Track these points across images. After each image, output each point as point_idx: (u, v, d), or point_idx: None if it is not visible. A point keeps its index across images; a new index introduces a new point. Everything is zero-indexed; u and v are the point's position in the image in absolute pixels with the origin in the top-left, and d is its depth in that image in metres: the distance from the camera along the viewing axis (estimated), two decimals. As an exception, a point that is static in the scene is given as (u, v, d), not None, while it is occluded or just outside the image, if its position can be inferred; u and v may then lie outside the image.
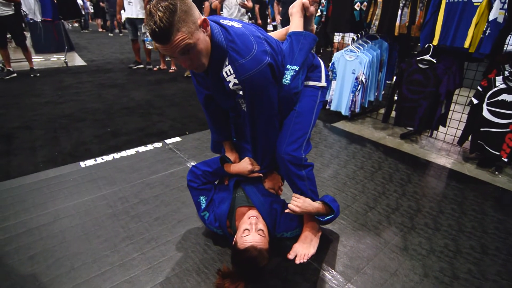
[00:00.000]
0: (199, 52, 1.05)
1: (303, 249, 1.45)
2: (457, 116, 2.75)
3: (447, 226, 1.69)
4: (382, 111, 3.27)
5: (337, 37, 4.59)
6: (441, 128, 2.72)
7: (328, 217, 1.42)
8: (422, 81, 2.55)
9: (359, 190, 2.01)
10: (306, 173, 1.35)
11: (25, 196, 1.87)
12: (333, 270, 1.39)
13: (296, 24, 1.37)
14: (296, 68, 1.27)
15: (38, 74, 4.81)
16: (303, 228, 1.50)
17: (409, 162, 2.43)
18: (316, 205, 1.39)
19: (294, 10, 1.39)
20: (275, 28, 6.11)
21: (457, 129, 2.68)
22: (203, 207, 1.48)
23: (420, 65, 2.54)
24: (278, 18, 4.69)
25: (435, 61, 2.45)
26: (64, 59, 5.69)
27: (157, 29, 0.94)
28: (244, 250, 1.21)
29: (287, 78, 1.27)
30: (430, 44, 2.42)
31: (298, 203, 1.36)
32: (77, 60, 6.23)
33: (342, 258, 1.45)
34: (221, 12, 4.15)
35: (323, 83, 1.38)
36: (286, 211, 1.40)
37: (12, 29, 4.32)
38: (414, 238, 1.59)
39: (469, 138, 2.41)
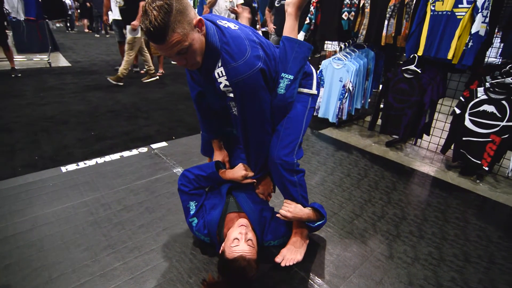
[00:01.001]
0: (194, 51, 1.06)
1: (291, 254, 1.44)
2: (441, 125, 2.82)
3: (431, 234, 1.72)
4: (369, 118, 3.32)
5: (329, 46, 4.65)
6: (425, 136, 2.78)
7: (318, 223, 1.43)
8: (407, 90, 2.61)
9: (346, 198, 2.02)
10: (298, 179, 1.35)
11: (2, 202, 1.79)
12: (319, 279, 1.38)
13: (291, 26, 1.35)
14: (291, 77, 1.26)
15: (19, 74, 4.66)
16: (291, 235, 1.49)
17: (394, 169, 2.46)
18: (307, 211, 1.39)
19: (290, 10, 1.35)
20: (264, 34, 6.11)
21: (440, 137, 2.74)
22: (192, 213, 1.44)
23: (406, 75, 2.59)
24: (271, 26, 4.54)
25: (420, 71, 2.50)
26: (47, 59, 5.53)
27: (152, 29, 0.94)
28: (233, 260, 1.19)
29: (282, 87, 1.27)
30: (415, 55, 2.48)
31: (290, 208, 1.36)
32: (61, 61, 6.07)
33: (329, 267, 1.45)
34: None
35: (313, 91, 1.38)
36: (277, 215, 1.40)
37: None
38: (399, 246, 1.61)
39: (452, 147, 2.47)
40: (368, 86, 3.30)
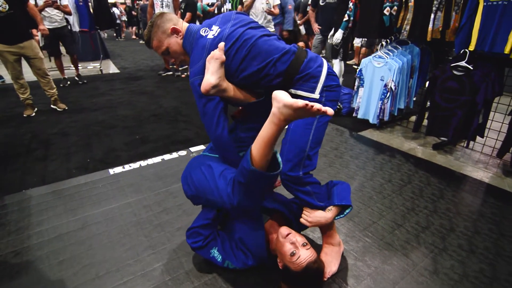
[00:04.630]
0: (175, 52, 1.37)
1: (325, 267, 1.40)
2: (497, 126, 2.55)
3: (484, 248, 1.56)
4: (413, 119, 3.11)
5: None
6: (478, 138, 2.54)
7: (346, 212, 1.39)
8: (457, 89, 2.40)
9: (386, 206, 1.91)
10: (311, 188, 1.31)
11: (58, 201, 1.98)
12: (355, 292, 1.33)
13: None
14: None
15: (86, 80, 5.10)
16: (322, 243, 1.45)
17: (442, 175, 2.28)
18: (329, 215, 1.34)
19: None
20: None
21: (496, 140, 2.48)
22: (219, 260, 1.35)
23: (455, 72, 2.39)
24: (316, 26, 4.25)
25: (471, 68, 2.29)
26: (99, 67, 6.00)
27: (144, 40, 1.40)
28: (304, 269, 1.17)
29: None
30: (466, 50, 2.28)
31: (309, 218, 1.34)
32: (111, 68, 6.55)
33: (366, 280, 1.39)
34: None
35: (315, 95, 1.27)
36: (301, 220, 1.37)
37: (67, 39, 4.59)
38: (445, 261, 1.49)
39: (510, 150, 2.23)
40: (413, 85, 3.10)
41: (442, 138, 2.76)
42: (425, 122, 2.77)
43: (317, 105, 0.93)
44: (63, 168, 2.40)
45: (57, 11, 4.29)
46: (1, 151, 2.67)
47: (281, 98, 0.98)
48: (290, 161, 1.26)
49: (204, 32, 1.29)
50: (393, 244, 1.60)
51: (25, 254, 1.55)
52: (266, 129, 1.05)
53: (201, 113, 1.30)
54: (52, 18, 4.33)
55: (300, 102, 0.93)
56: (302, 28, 5.71)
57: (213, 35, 1.25)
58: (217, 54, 1.16)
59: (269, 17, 4.15)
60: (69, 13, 4.48)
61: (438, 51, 3.04)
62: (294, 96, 1.29)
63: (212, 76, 1.16)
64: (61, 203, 1.96)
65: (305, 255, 1.18)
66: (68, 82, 4.94)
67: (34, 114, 3.55)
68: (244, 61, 1.23)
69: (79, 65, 5.28)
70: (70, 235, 1.68)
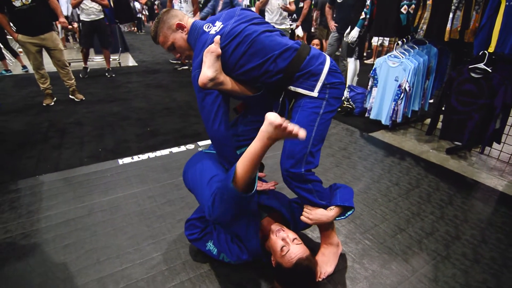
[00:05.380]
0: (180, 47, 1.39)
1: (321, 267, 1.39)
2: (516, 132, 2.44)
3: (489, 258, 1.51)
4: (428, 121, 3.02)
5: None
6: (495, 144, 2.43)
7: (346, 215, 1.37)
8: (474, 92, 2.31)
9: (391, 209, 1.87)
10: (313, 186, 1.29)
11: (68, 188, 2.05)
12: (349, 294, 1.31)
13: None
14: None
15: (114, 74, 5.25)
16: (320, 243, 1.44)
17: (453, 181, 2.21)
18: (331, 214, 1.32)
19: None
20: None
21: (515, 146, 2.38)
22: (215, 252, 1.38)
23: (473, 74, 2.29)
24: (332, 24, 4.28)
25: (490, 70, 2.19)
26: (118, 59, 6.14)
27: (151, 35, 1.42)
28: (294, 266, 1.17)
29: None
30: (485, 51, 2.18)
31: (310, 215, 1.32)
32: (130, 61, 6.68)
33: (362, 283, 1.37)
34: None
35: (314, 93, 1.24)
36: (302, 217, 1.36)
37: (103, 31, 4.69)
38: (447, 269, 1.44)
39: (529, 159, 2.13)
40: (429, 86, 3.01)
41: (457, 143, 2.66)
42: (440, 125, 2.68)
43: (290, 127, 1.00)
44: (76, 157, 2.48)
45: (95, 3, 4.41)
46: (20, 138, 2.79)
47: (269, 117, 1.03)
48: (292, 157, 1.25)
49: (208, 27, 1.30)
50: (393, 248, 1.56)
51: (33, 237, 1.62)
52: (253, 145, 1.10)
53: (199, 107, 1.31)
54: (89, 11, 4.45)
55: (277, 121, 1.00)
56: (299, 29, 5.58)
57: (215, 31, 1.26)
58: (213, 48, 1.17)
59: (285, 13, 4.11)
60: (106, 6, 4.56)
61: (457, 52, 2.92)
62: (294, 93, 1.29)
63: (208, 69, 1.17)
64: (71, 189, 2.03)
65: (295, 250, 1.18)
66: (87, 74, 5.09)
67: (53, 103, 3.69)
68: (243, 56, 1.22)
69: (99, 57, 5.40)
70: (77, 220, 1.74)
